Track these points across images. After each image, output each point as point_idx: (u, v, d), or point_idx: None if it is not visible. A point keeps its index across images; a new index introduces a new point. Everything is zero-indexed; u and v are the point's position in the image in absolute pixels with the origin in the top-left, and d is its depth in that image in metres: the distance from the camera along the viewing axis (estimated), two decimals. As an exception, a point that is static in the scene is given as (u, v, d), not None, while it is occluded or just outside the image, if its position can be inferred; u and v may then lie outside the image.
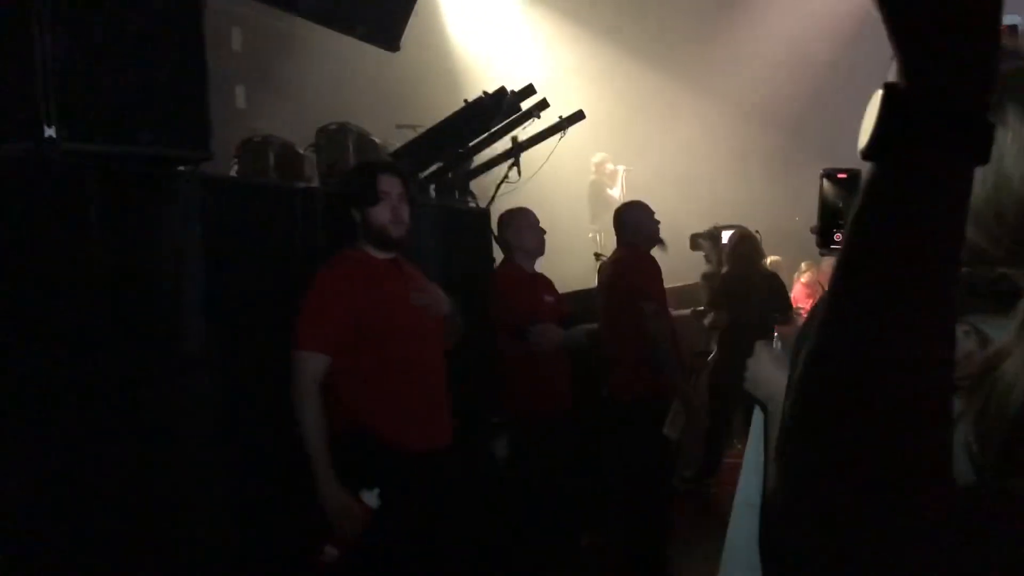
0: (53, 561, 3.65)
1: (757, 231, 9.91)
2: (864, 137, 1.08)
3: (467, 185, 7.75)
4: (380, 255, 4.78)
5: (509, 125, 7.79)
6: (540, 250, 6.78)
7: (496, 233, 6.91)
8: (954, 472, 1.08)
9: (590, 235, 14.37)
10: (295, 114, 9.59)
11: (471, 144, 7.66)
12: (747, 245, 9.65)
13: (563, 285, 7.55)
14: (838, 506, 1.03)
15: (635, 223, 7.20)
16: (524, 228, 6.71)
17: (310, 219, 5.33)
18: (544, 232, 6.89)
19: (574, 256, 12.77)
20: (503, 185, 7.85)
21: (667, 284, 7.51)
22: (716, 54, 15.36)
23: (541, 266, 6.91)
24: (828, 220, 2.03)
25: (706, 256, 10.55)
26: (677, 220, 10.36)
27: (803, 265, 13.23)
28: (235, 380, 4.55)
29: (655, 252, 7.35)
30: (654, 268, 7.11)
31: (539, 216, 7.03)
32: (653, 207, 7.46)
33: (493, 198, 7.83)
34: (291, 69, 11.73)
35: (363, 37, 7.30)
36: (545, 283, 6.82)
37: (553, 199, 12.22)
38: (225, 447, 4.62)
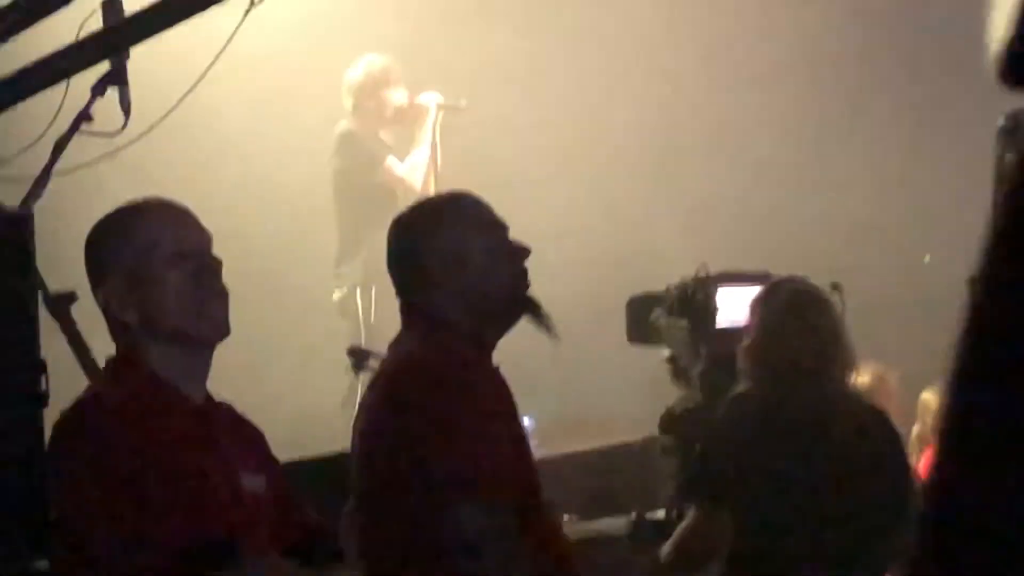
0: None
1: (836, 286, 4.89)
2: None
3: None
4: None
5: None
6: (210, 333, 3.40)
7: (90, 268, 3.44)
8: None
9: (336, 294, 7.33)
10: None
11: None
12: (799, 323, 4.61)
13: (282, 436, 4.23)
14: None
15: (446, 260, 3.65)
16: (172, 268, 3.28)
17: None
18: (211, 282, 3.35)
19: (290, 353, 7.55)
20: (81, 141, 4.49)
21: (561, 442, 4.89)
22: None
23: (216, 382, 3.44)
24: None
25: (671, 356, 5.43)
26: (590, 251, 7.46)
27: (925, 395, 6.42)
28: None
29: (515, 340, 3.82)
30: (485, 396, 3.65)
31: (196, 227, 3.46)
32: (511, 216, 3.78)
33: (43, 181, 4.38)
34: None
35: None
36: (246, 436, 3.50)
37: (227, 185, 7.22)
38: None
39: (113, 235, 3.34)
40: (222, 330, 3.31)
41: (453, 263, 3.61)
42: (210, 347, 3.36)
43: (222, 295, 3.30)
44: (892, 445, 4.55)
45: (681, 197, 8.07)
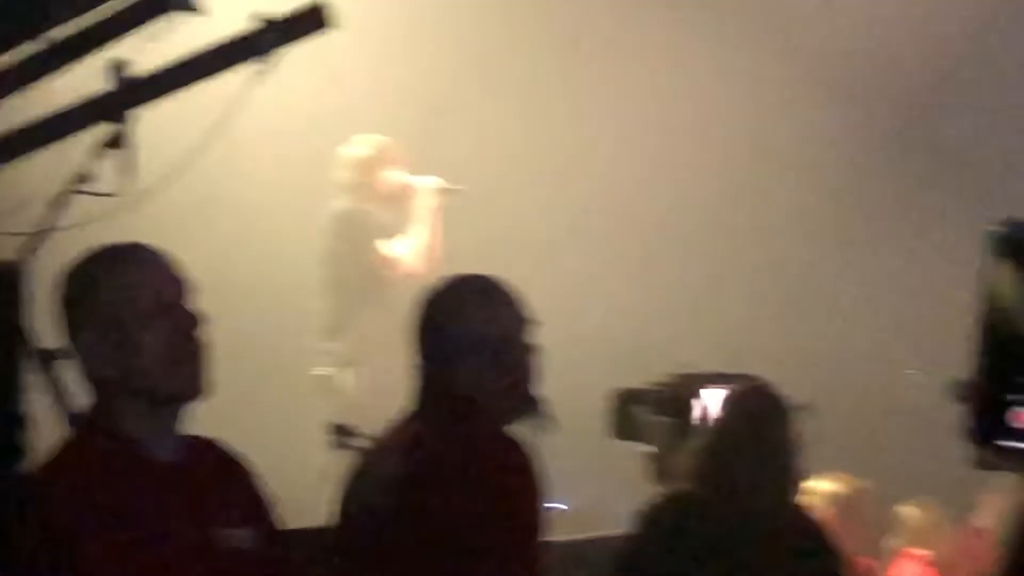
0: None
1: (806, 406, 4.90)
2: None
3: None
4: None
5: (108, 26, 4.23)
6: (186, 391, 3.23)
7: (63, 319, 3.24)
8: None
9: (318, 370, 7.24)
10: None
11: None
12: (759, 424, 4.65)
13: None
14: None
15: (478, 341, 3.61)
16: (149, 323, 3.19)
17: None
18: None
19: (270, 429, 7.09)
20: (83, 197, 4.43)
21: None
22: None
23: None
24: (1000, 366, 1.51)
25: (650, 453, 5.39)
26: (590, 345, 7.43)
27: (904, 509, 6.51)
28: None
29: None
30: (505, 475, 3.58)
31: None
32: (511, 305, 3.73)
33: (40, 236, 4.35)
34: None
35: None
36: (233, 481, 3.40)
37: (219, 251, 6.93)
38: None
39: (88, 286, 3.13)
40: (198, 389, 3.14)
41: (486, 345, 3.63)
42: (185, 404, 3.19)
43: (199, 352, 3.14)
44: (825, 562, 4.59)
45: (671, 295, 8.06)
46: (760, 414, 4.54)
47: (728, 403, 4.69)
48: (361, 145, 7.17)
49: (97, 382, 3.08)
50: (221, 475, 3.22)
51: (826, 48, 8.24)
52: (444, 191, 7.22)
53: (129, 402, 3.07)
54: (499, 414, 3.65)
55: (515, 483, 3.61)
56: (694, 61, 8.36)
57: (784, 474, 4.52)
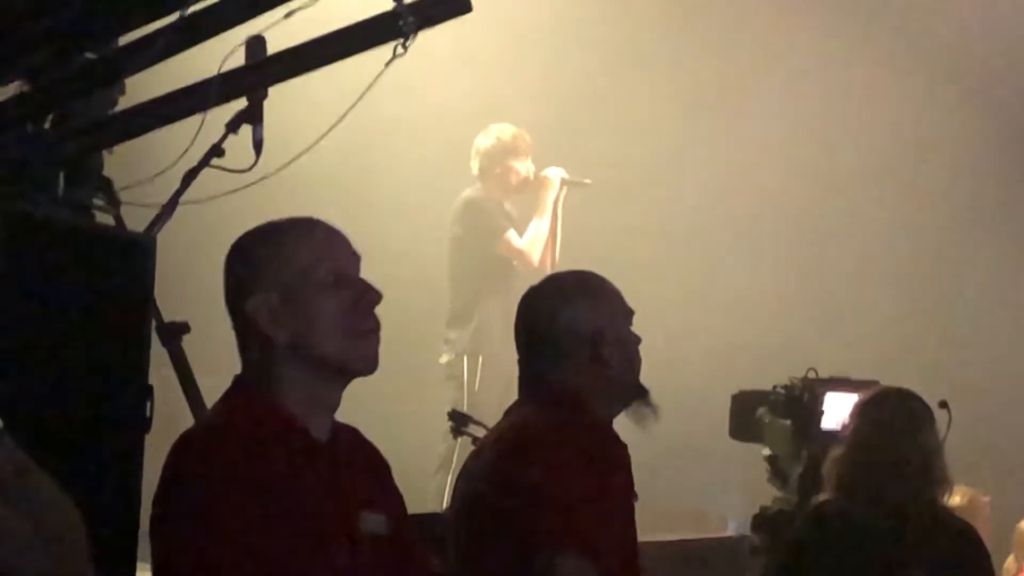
0: None
1: (943, 404, 4.86)
2: None
3: (100, 167, 4.39)
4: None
5: (243, 1, 4.06)
6: (362, 366, 3.30)
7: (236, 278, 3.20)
8: None
9: (443, 358, 7.42)
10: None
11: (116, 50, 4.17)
12: (894, 437, 4.58)
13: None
14: None
15: (579, 337, 3.72)
16: (332, 293, 3.25)
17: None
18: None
19: (396, 415, 7.40)
20: (210, 174, 4.48)
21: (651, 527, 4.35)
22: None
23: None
24: None
25: (770, 456, 5.41)
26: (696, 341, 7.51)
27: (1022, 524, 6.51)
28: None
29: (621, 424, 3.79)
30: (608, 466, 3.64)
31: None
32: (633, 300, 3.85)
33: (169, 210, 4.43)
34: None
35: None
36: (371, 468, 3.39)
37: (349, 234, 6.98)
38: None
39: (270, 247, 3.07)
40: (373, 365, 3.08)
41: (596, 341, 3.64)
42: (352, 379, 3.13)
43: (377, 329, 3.08)
44: (980, 565, 4.45)
45: (796, 296, 7.99)
46: (899, 420, 4.48)
47: (865, 409, 4.62)
48: (493, 134, 7.19)
49: (270, 345, 3.01)
50: (365, 461, 3.21)
51: (958, 44, 8.14)
52: (570, 183, 7.24)
53: (300, 371, 3.02)
54: (601, 408, 3.68)
55: (616, 475, 3.61)
56: (829, 61, 8.32)
57: (929, 479, 4.46)
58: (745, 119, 8.28)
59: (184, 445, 2.98)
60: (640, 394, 3.76)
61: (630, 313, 3.75)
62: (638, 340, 3.75)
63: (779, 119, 8.18)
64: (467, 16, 4.28)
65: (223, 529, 2.88)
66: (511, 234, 7.09)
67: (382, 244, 7.51)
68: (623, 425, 3.72)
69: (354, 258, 3.07)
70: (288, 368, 2.99)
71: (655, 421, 3.75)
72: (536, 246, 7.09)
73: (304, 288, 2.99)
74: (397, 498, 3.23)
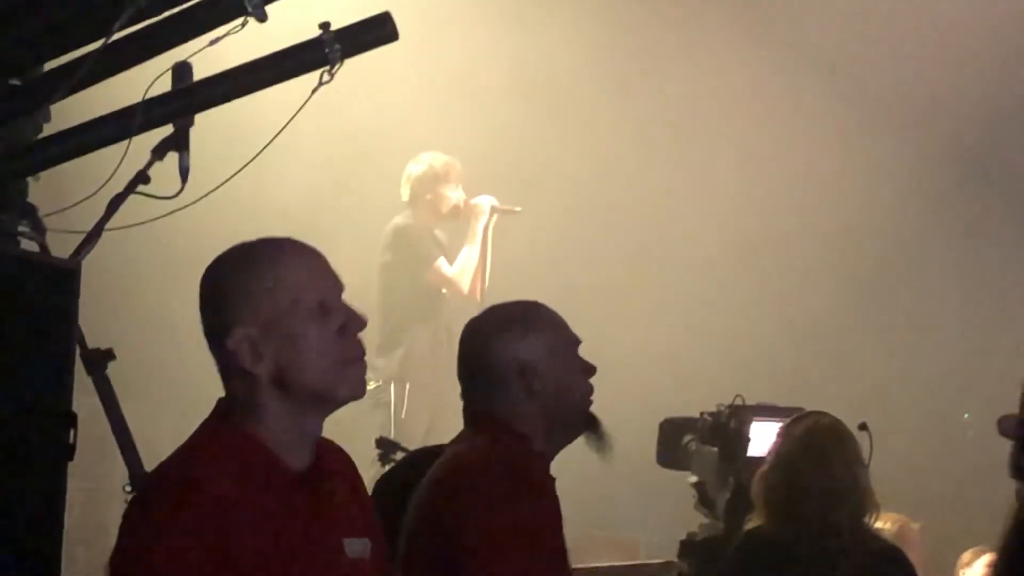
0: None
1: (863, 426, 4.94)
2: None
3: (25, 193, 4.39)
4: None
5: (169, 28, 4.19)
6: (348, 394, 3.26)
7: (214, 309, 3.16)
8: None
9: (370, 385, 6.58)
10: None
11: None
12: (814, 459, 4.68)
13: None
14: None
15: (510, 369, 3.67)
16: (315, 321, 3.15)
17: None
18: None
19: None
20: (136, 200, 4.43)
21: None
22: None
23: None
24: None
25: (697, 482, 5.48)
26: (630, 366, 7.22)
27: (965, 555, 6.67)
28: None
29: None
30: (535, 501, 3.61)
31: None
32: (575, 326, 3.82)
33: (94, 236, 4.37)
34: None
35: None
36: (354, 488, 3.35)
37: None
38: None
39: (249, 278, 2.96)
40: (361, 391, 3.00)
41: (528, 373, 3.62)
42: (338, 408, 3.04)
43: (363, 355, 3.01)
44: None
45: (725, 326, 8.05)
46: (820, 438, 4.52)
47: (789, 435, 4.66)
48: (424, 161, 7.20)
49: (251, 379, 2.92)
50: (346, 483, 3.15)
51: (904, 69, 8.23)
52: (501, 211, 7.26)
53: (284, 403, 2.95)
54: (540, 440, 3.66)
55: (543, 511, 3.64)
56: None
57: (855, 501, 4.51)
58: (690, 144, 8.37)
59: (159, 485, 2.91)
60: (588, 426, 3.71)
61: (574, 342, 3.70)
62: (590, 369, 3.70)
63: (727, 143, 8.28)
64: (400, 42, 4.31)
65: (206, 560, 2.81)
66: (441, 262, 7.09)
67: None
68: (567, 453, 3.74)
69: (337, 283, 2.98)
70: (272, 401, 2.93)
71: (609, 451, 3.74)
72: (466, 274, 7.10)
73: (288, 317, 2.91)
74: (373, 517, 3.19)
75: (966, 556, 6.43)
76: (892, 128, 8.21)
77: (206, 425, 2.96)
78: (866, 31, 8.36)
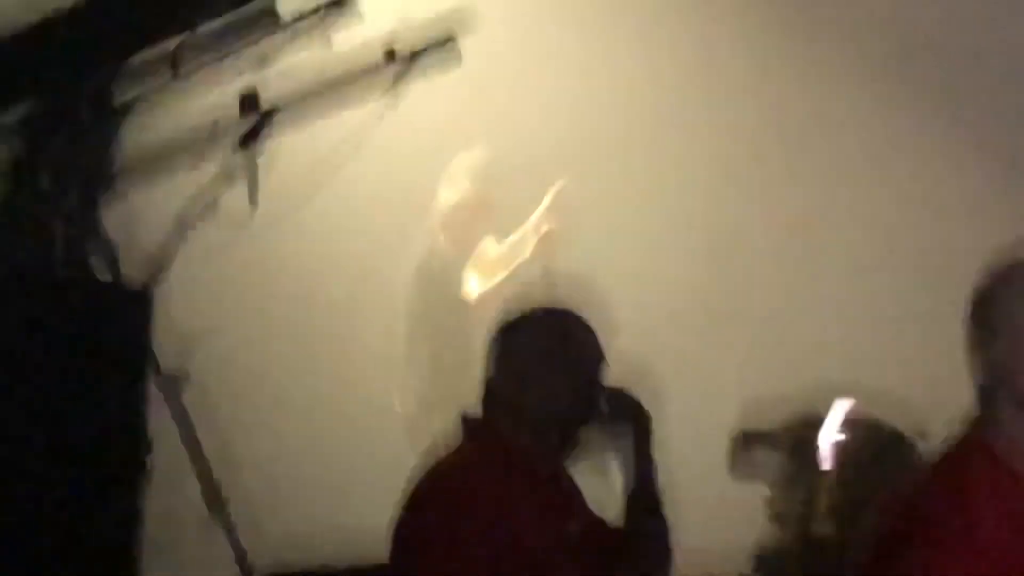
0: None
1: (922, 433, 4.96)
2: None
3: (97, 203, 4.36)
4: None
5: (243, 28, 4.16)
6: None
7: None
8: None
9: (398, 407, 7.02)
10: None
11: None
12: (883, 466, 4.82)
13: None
14: None
15: (521, 378, 3.46)
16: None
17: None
18: None
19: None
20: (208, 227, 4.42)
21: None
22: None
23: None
24: None
25: (769, 495, 5.50)
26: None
27: None
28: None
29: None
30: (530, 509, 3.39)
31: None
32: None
33: (167, 263, 4.35)
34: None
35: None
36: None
37: (334, 286, 7.16)
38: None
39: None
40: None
41: (516, 382, 3.47)
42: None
43: None
44: None
45: (801, 334, 8.02)
46: (879, 454, 4.57)
47: (845, 448, 4.74)
48: (456, 188, 7.05)
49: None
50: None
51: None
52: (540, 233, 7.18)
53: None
54: (535, 459, 3.52)
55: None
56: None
57: None
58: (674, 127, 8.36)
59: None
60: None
61: (594, 355, 3.48)
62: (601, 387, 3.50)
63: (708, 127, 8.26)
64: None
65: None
66: (468, 288, 7.00)
67: (366, 296, 7.58)
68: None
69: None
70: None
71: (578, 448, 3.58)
72: (489, 298, 7.00)
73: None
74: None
75: None
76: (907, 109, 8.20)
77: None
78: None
